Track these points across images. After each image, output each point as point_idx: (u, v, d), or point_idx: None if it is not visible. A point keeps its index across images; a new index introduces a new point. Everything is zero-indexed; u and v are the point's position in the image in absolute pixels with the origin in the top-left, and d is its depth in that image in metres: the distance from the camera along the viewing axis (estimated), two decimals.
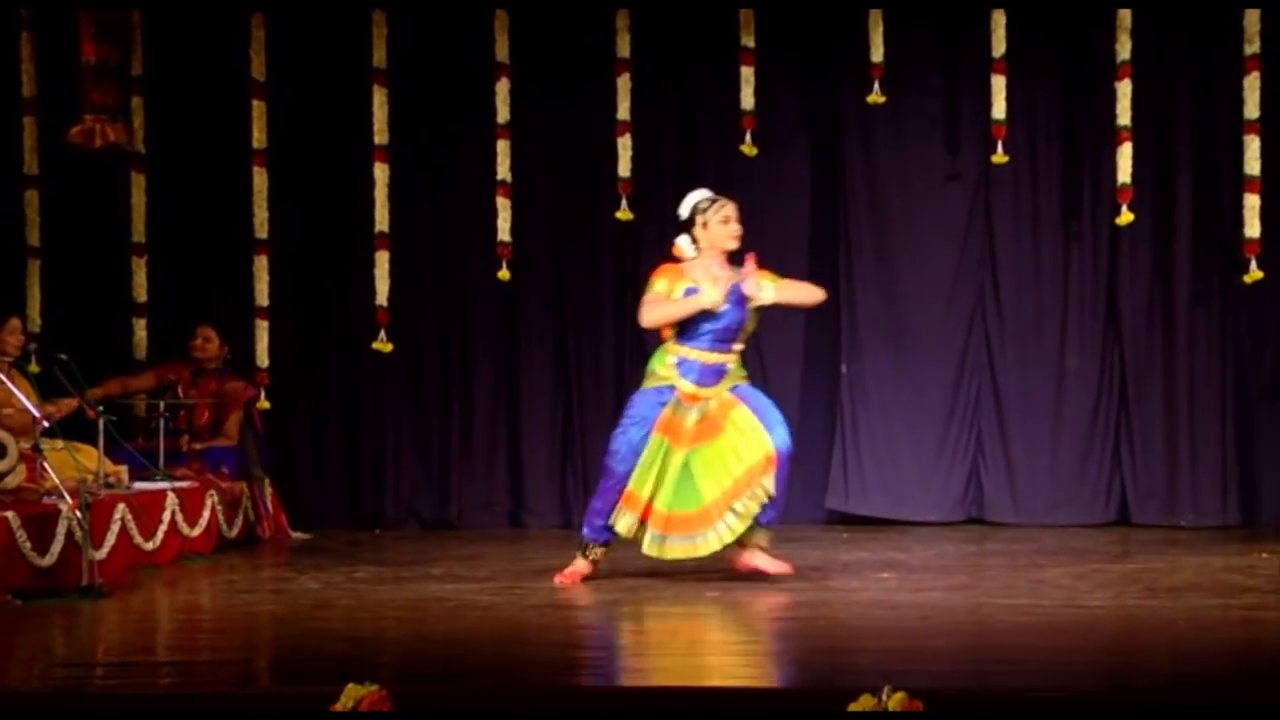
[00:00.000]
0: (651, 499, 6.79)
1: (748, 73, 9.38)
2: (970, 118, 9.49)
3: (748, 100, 9.38)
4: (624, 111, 9.39)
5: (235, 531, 8.62)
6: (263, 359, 9.42)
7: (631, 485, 6.81)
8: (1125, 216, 9.21)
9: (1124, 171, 9.18)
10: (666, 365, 6.95)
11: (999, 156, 9.29)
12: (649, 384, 6.98)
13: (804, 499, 9.53)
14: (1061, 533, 9.06)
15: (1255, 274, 9.12)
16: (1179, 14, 9.34)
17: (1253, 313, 9.44)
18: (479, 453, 9.63)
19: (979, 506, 9.62)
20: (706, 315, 6.85)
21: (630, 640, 6.13)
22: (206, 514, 8.20)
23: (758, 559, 6.94)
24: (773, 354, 9.64)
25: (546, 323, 9.67)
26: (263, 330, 9.43)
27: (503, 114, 9.37)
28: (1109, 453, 9.53)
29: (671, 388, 6.91)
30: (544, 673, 5.23)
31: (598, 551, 7.01)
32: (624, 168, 9.41)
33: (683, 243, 7.01)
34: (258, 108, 9.37)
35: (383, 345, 9.39)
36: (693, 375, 6.89)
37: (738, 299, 6.88)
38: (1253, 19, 9.07)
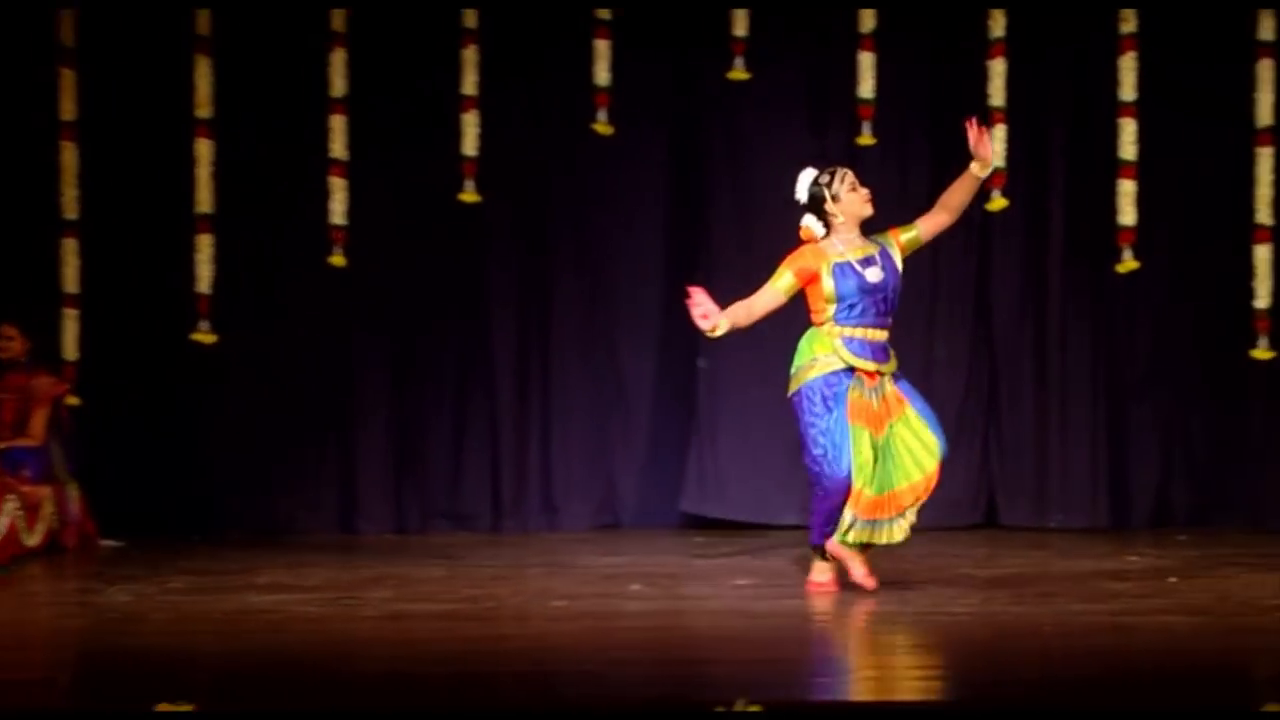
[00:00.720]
0: (878, 493, 6.76)
1: (602, 46, 9.33)
2: (837, 96, 9.53)
3: (602, 76, 9.34)
4: (470, 86, 9.30)
5: (36, 540, 8.37)
6: (71, 352, 9.18)
7: (858, 485, 6.70)
8: (996, 202, 9.29)
9: (997, 155, 9.27)
10: (833, 348, 6.85)
11: (866, 138, 9.34)
12: (816, 373, 6.83)
13: (657, 501, 9.55)
14: (927, 535, 9.09)
15: (1129, 263, 9.25)
16: None
17: (1127, 304, 9.58)
18: (308, 453, 9.47)
19: None
20: (865, 287, 6.83)
21: (473, 650, 6.05)
22: (4, 521, 7.97)
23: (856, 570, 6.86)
24: (625, 346, 9.62)
25: (384, 312, 9.54)
26: (71, 320, 9.20)
27: (338, 87, 9.24)
28: (977, 451, 9.62)
29: (849, 370, 6.82)
30: (373, 691, 5.15)
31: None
32: (469, 146, 9.32)
33: (810, 223, 7.01)
34: (67, 77, 9.13)
35: (205, 336, 9.21)
36: (865, 353, 6.87)
37: (892, 266, 6.91)
38: None
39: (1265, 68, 9.18)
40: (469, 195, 9.34)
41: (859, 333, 6.86)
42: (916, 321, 9.63)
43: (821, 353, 6.87)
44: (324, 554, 8.36)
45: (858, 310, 6.85)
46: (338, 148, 9.25)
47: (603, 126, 9.34)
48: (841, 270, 6.86)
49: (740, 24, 9.24)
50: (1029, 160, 9.51)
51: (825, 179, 6.98)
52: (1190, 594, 6.81)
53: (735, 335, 9.51)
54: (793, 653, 5.73)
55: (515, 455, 9.57)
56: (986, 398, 9.63)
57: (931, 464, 6.79)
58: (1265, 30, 9.18)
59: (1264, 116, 9.19)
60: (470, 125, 9.30)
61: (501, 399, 9.58)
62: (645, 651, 5.78)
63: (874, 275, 6.87)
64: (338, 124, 9.24)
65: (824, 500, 6.78)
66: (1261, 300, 9.22)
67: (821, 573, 6.90)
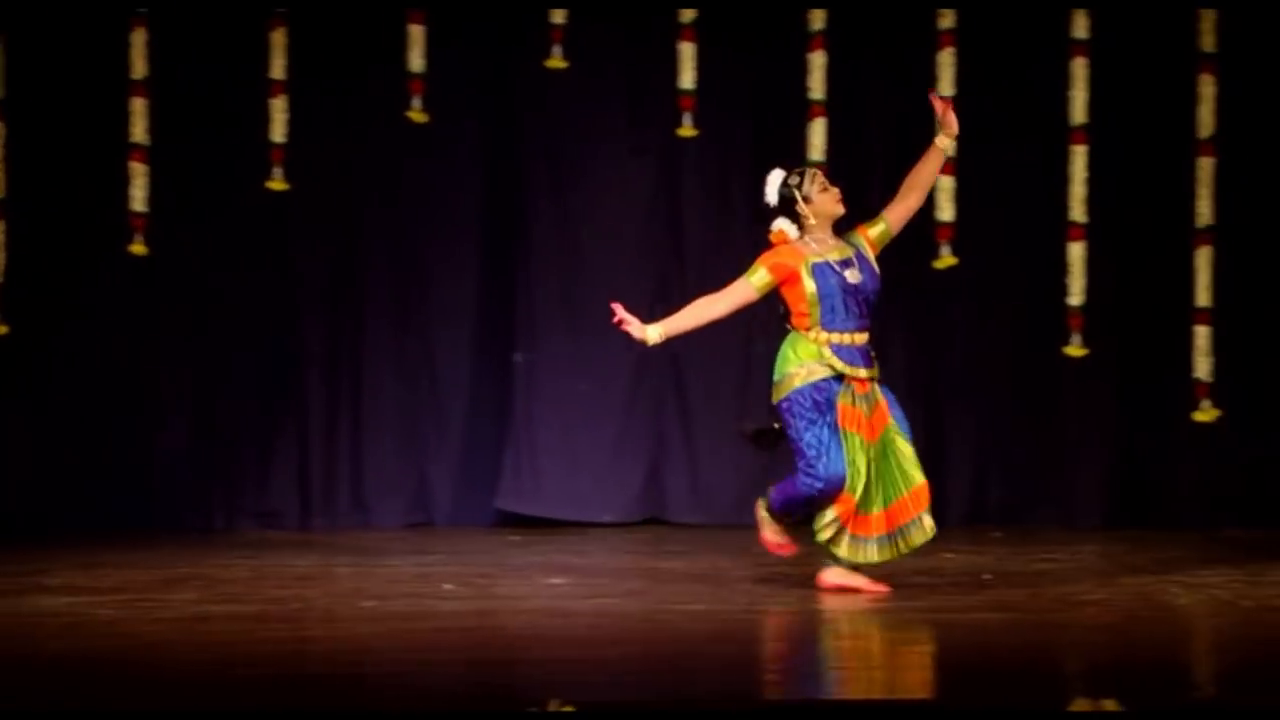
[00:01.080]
0: (869, 510, 6.77)
1: (417, 32, 9.29)
2: (657, 87, 9.59)
3: (417, 62, 9.29)
4: (278, 70, 9.21)
5: None
6: None
7: (856, 503, 6.75)
8: None
9: (816, 149, 9.40)
10: (821, 356, 6.87)
11: (687, 129, 9.42)
12: (804, 381, 6.85)
13: (471, 498, 9.53)
14: (745, 533, 9.18)
15: (947, 259, 9.43)
16: None
17: (944, 300, 9.77)
18: (106, 451, 9.27)
19: (659, 506, 9.73)
20: (846, 287, 6.85)
21: (280, 652, 6.00)
22: None
23: (857, 578, 6.90)
24: (440, 339, 9.59)
25: (187, 303, 9.39)
26: None
27: (139, 69, 9.09)
28: None
29: (840, 377, 6.85)
30: (175, 695, 5.09)
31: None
32: (278, 133, 9.23)
33: (784, 225, 7.01)
34: None
35: None
36: (854, 360, 6.88)
37: (869, 265, 6.94)
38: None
39: (1079, 65, 9.41)
40: (277, 183, 9.25)
41: (846, 338, 6.89)
42: (737, 318, 9.68)
43: (809, 359, 6.89)
44: (121, 554, 8.21)
45: (840, 313, 6.89)
46: (138, 132, 9.10)
47: (417, 114, 9.30)
48: (821, 270, 6.90)
49: (558, 12, 9.26)
50: (848, 155, 9.63)
51: (795, 180, 7.02)
52: (1004, 591, 6.97)
53: (551, 328, 9.63)
54: (606, 652, 5.77)
55: (324, 451, 9.48)
56: None
57: (915, 479, 6.84)
58: (1079, 29, 9.42)
59: (1078, 115, 9.42)
60: (279, 110, 9.21)
61: (310, 392, 9.49)
62: (456, 652, 5.78)
63: (854, 276, 6.91)
64: (138, 107, 9.09)
65: (813, 498, 6.80)
66: (1075, 298, 9.45)
67: (780, 533, 7.06)
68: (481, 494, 9.53)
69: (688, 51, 9.35)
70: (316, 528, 9.31)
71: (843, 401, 6.81)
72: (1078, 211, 9.43)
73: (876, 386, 6.91)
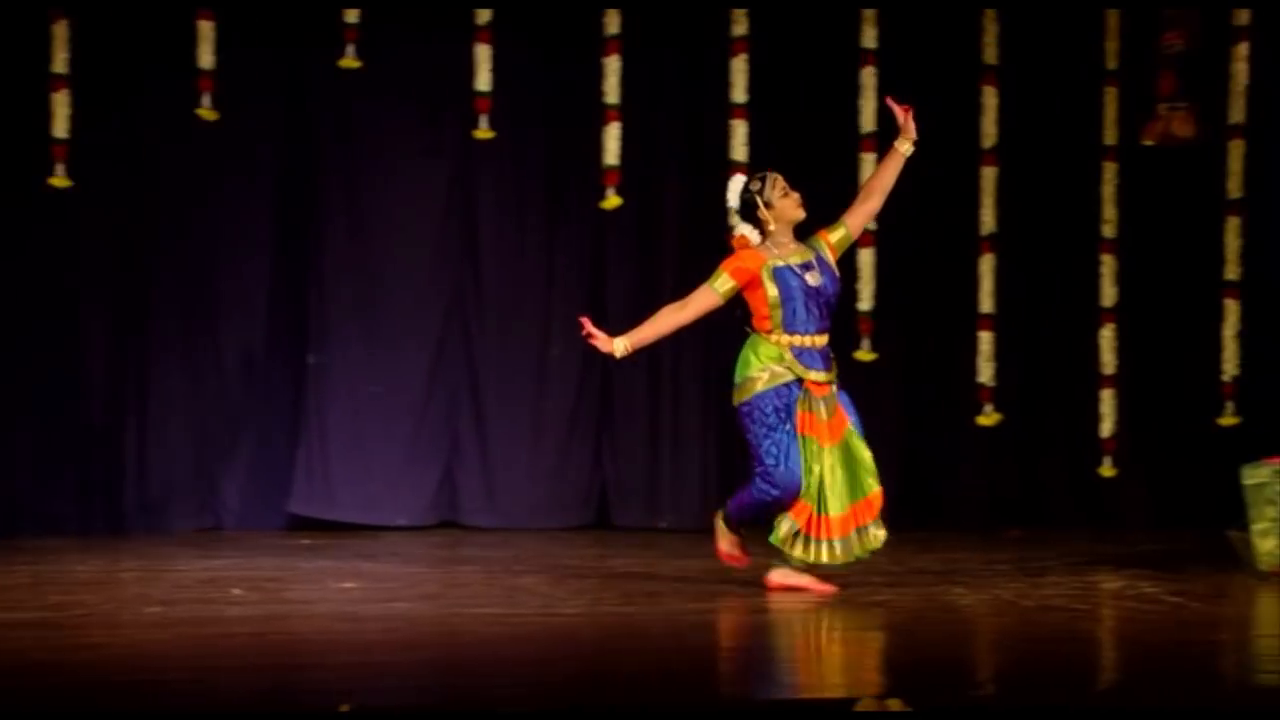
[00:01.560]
0: (829, 512, 6.79)
1: (206, 28, 9.15)
2: (453, 88, 9.54)
3: (206, 59, 9.15)
4: (60, 64, 9.00)
5: None
6: None
7: (814, 508, 6.81)
8: (612, 200, 9.47)
9: (611, 153, 9.44)
10: (782, 360, 6.89)
11: (482, 131, 9.40)
12: (765, 385, 6.88)
13: (262, 502, 9.41)
14: (540, 536, 9.24)
15: None
16: None
17: (737, 305, 9.84)
18: None
19: (453, 509, 9.70)
20: (809, 292, 6.86)
21: (62, 660, 5.87)
22: None
23: (804, 578, 6.93)
24: (230, 341, 9.45)
25: None
26: None
27: None
28: (590, 451, 9.78)
29: (798, 381, 6.86)
30: None
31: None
32: (60, 129, 9.02)
33: (746, 230, 7.02)
34: None
35: None
36: (814, 363, 6.90)
37: (829, 269, 6.97)
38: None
39: (868, 74, 9.58)
40: (59, 180, 9.03)
41: (807, 341, 6.93)
42: (533, 321, 9.74)
43: (771, 362, 6.91)
44: None
45: (801, 316, 6.91)
46: None
47: (206, 112, 9.15)
48: (782, 273, 6.91)
49: (352, 11, 9.18)
50: (643, 159, 9.70)
51: (756, 185, 7.03)
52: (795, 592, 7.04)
53: (345, 330, 9.54)
54: (399, 657, 5.74)
55: (108, 453, 9.27)
56: (599, 398, 9.79)
57: (871, 487, 6.88)
58: (869, 39, 9.58)
59: (867, 123, 9.59)
60: (61, 105, 9.00)
61: (94, 394, 9.27)
62: (245, 658, 5.69)
63: (814, 279, 6.94)
64: None
65: (769, 503, 6.85)
66: (864, 303, 9.62)
67: (736, 545, 7.10)
68: (272, 497, 9.41)
69: (484, 53, 9.33)
70: (100, 532, 9.10)
71: (802, 408, 6.87)
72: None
73: (835, 389, 6.96)
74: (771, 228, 7.01)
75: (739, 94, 9.50)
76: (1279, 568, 7.37)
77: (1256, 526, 7.43)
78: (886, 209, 9.19)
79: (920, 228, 9.69)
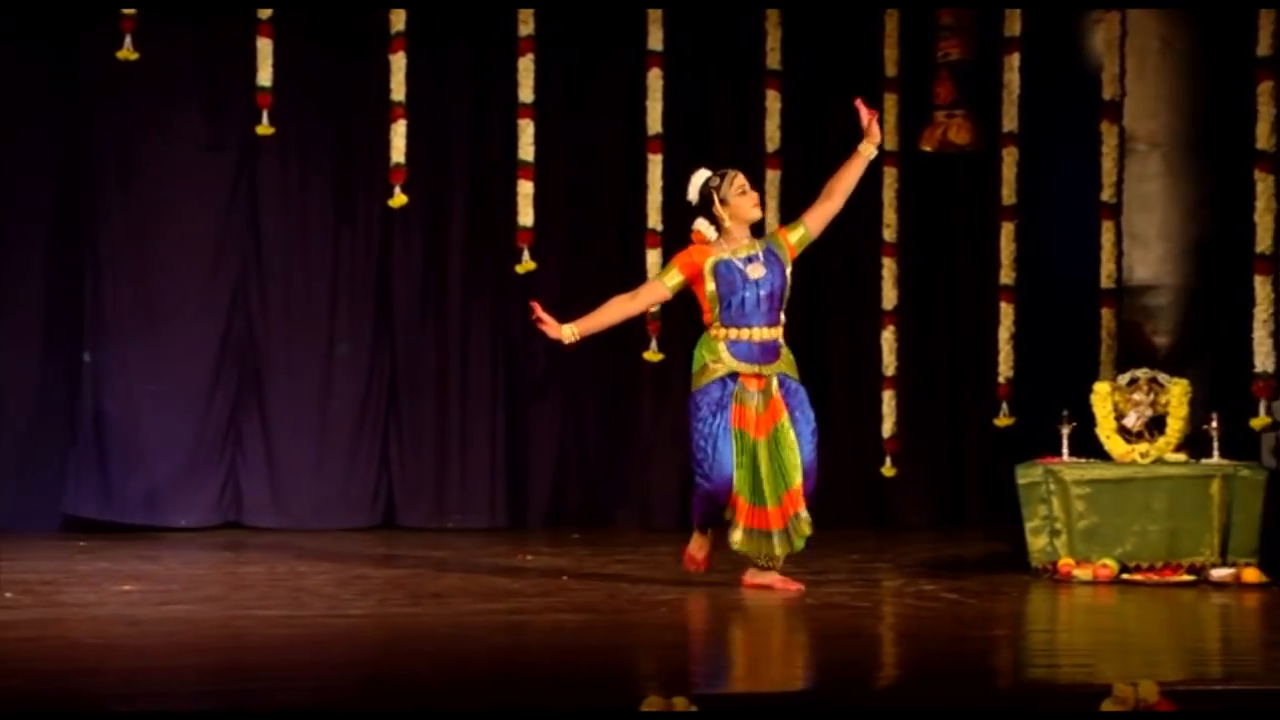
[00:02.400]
0: (764, 504, 6.87)
1: None
2: (233, 82, 9.42)
3: None
4: None
5: None
6: None
7: (745, 499, 6.88)
8: (398, 198, 9.42)
9: (397, 150, 9.38)
10: (718, 353, 6.92)
11: (264, 127, 9.27)
12: (705, 380, 6.93)
13: (36, 502, 9.19)
14: (326, 537, 9.15)
15: (528, 264, 9.54)
16: None
17: (524, 305, 9.84)
18: None
19: (237, 510, 9.57)
20: (748, 284, 6.86)
21: None
22: None
23: (771, 576, 6.99)
24: (5, 337, 9.21)
25: None
26: None
27: None
28: (377, 450, 9.72)
29: (734, 375, 6.88)
30: None
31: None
32: None
33: (702, 226, 7.00)
34: None
35: None
36: (748, 356, 6.90)
37: (777, 262, 6.96)
38: None
39: (655, 76, 9.65)
40: None
41: (744, 334, 6.94)
42: (318, 319, 9.65)
43: (710, 358, 6.95)
44: None
45: (744, 310, 6.92)
46: None
47: None
48: (722, 268, 6.92)
49: (129, 1, 9.00)
50: (430, 157, 9.67)
51: (715, 181, 7.01)
52: (581, 592, 7.08)
53: (124, 327, 9.35)
54: (182, 660, 5.64)
55: None
56: (387, 397, 9.74)
57: (795, 479, 6.89)
58: (654, 40, 9.65)
59: (654, 124, 9.66)
60: None
61: None
62: (18, 663, 5.54)
63: (755, 272, 6.94)
64: None
65: (706, 496, 6.93)
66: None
67: (699, 548, 7.10)
68: (47, 498, 9.19)
69: (266, 48, 9.21)
70: None
71: (736, 402, 6.92)
72: (654, 219, 9.65)
73: (775, 382, 6.96)
74: (727, 224, 7.04)
75: (526, 93, 9.50)
76: (1051, 565, 7.56)
77: (1029, 525, 7.62)
78: (668, 205, 9.31)
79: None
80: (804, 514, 6.95)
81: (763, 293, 6.98)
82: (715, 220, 7.06)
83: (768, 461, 6.94)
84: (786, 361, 7.06)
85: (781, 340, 7.05)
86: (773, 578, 7.03)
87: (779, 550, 6.97)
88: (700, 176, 7.15)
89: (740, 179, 7.08)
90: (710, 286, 6.98)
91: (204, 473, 9.47)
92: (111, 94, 9.28)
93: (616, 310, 7.11)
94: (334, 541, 8.93)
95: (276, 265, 9.60)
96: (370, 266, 9.71)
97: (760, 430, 6.94)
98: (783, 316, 7.06)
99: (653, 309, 7.21)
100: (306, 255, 9.65)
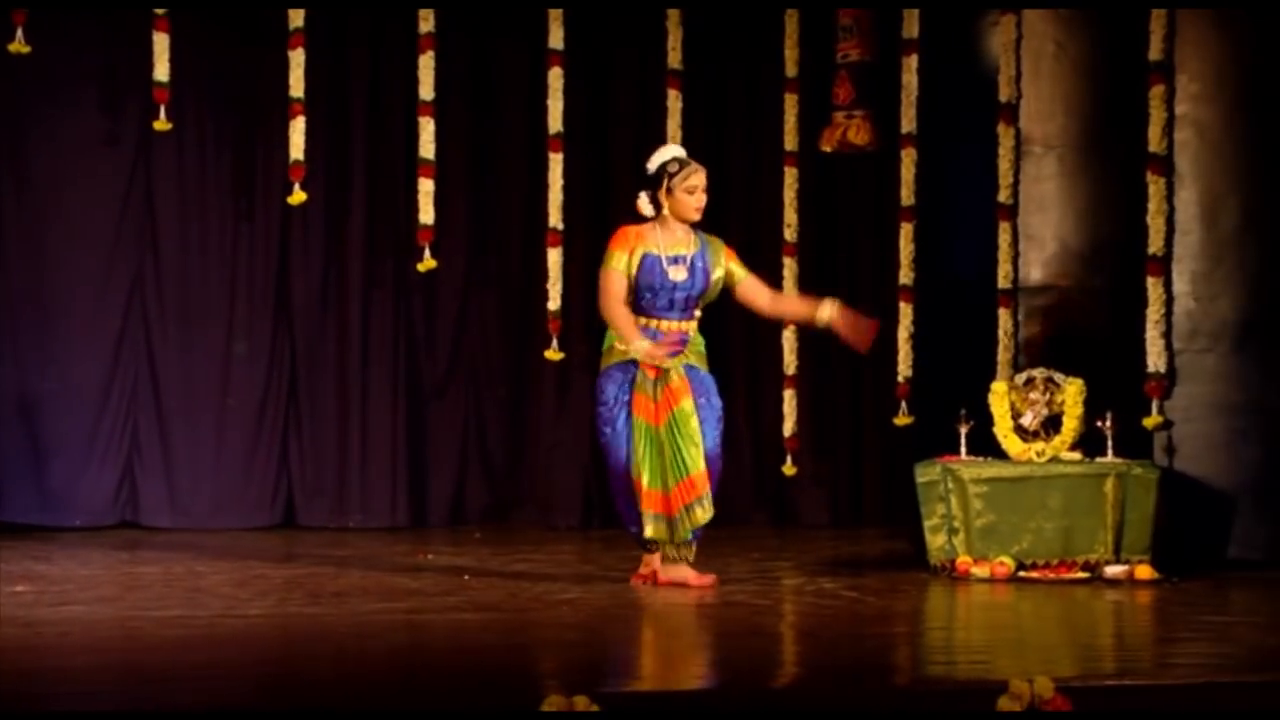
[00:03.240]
0: (666, 488, 6.87)
1: None
2: (130, 77, 9.32)
3: None
4: None
5: None
6: None
7: (644, 482, 6.90)
8: (298, 195, 9.35)
9: (296, 147, 9.31)
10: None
11: (161, 123, 9.17)
12: (610, 361, 6.99)
13: None
14: (224, 536, 9.07)
15: (429, 262, 9.51)
16: None
17: (426, 303, 9.86)
18: None
19: (133, 509, 9.47)
20: (665, 284, 6.91)
21: None
22: None
23: (684, 571, 6.99)
24: None
25: None
26: None
27: None
28: (276, 449, 9.65)
29: (634, 362, 6.93)
30: None
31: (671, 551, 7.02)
32: None
33: (642, 202, 6.94)
34: None
35: None
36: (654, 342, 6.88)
37: (703, 270, 6.97)
38: None
39: (555, 75, 9.64)
40: None
41: (653, 323, 6.97)
42: (216, 317, 9.57)
43: (617, 340, 6.97)
44: None
45: (657, 304, 6.96)
46: None
47: None
48: (648, 261, 6.94)
49: None
50: (330, 154, 9.62)
51: (674, 167, 7.02)
52: (483, 591, 7.07)
53: (18, 325, 9.23)
54: (76, 661, 5.58)
55: None
56: (286, 395, 9.67)
57: (700, 464, 6.89)
58: (555, 39, 9.64)
59: (554, 123, 9.64)
60: None
61: None
62: None
63: (677, 274, 6.95)
64: None
65: (615, 484, 6.98)
66: (553, 302, 9.68)
67: (645, 565, 7.06)
68: None
69: (162, 42, 9.12)
70: None
71: (638, 390, 6.96)
72: (554, 218, 9.65)
73: (675, 373, 6.95)
74: (664, 212, 7.05)
75: (426, 91, 9.47)
76: (949, 563, 7.63)
77: (928, 523, 7.69)
78: (569, 204, 9.32)
79: (607, 231, 9.78)
80: (701, 503, 6.94)
81: (678, 295, 7.02)
82: (656, 202, 7.06)
83: (665, 447, 6.95)
84: (695, 352, 7.08)
85: (692, 332, 7.08)
86: (687, 573, 7.03)
87: (681, 533, 6.99)
88: (667, 152, 7.19)
89: (696, 177, 7.09)
90: (632, 272, 7.00)
91: (99, 471, 9.37)
92: (4, 88, 9.15)
93: (619, 314, 7.02)
94: (232, 541, 8.86)
95: (174, 262, 9.51)
96: (269, 264, 9.64)
97: (657, 418, 6.96)
98: (698, 312, 7.11)
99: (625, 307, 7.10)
100: (204, 252, 9.57)
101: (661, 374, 7.00)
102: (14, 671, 5.40)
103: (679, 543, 7.02)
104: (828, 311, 7.12)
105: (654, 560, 7.08)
